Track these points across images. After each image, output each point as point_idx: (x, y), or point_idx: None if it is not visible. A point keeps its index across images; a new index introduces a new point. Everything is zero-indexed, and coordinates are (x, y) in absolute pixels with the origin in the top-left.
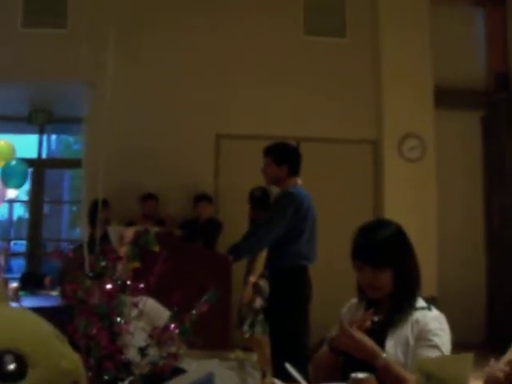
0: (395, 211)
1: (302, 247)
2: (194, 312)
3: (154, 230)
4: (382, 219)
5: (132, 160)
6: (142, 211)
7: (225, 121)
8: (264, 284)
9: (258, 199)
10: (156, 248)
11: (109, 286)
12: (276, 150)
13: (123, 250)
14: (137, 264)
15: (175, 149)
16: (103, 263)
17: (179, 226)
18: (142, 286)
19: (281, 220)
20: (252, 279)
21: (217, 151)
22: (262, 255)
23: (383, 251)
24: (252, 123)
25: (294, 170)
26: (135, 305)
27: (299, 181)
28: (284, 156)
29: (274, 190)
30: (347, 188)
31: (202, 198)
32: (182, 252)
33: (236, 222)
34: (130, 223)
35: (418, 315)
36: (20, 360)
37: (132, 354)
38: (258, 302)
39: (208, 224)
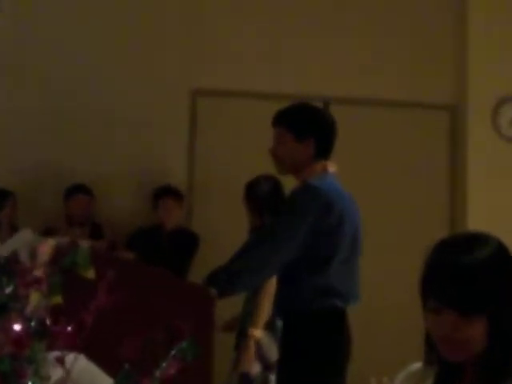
0: (483, 214)
1: (333, 277)
2: (156, 374)
3: (86, 244)
4: (474, 233)
5: (53, 132)
6: (66, 213)
7: (207, 68)
8: (266, 340)
9: (266, 197)
10: (90, 274)
11: (17, 328)
12: (295, 115)
13: (37, 274)
14: (58, 299)
15: (124, 114)
16: (9, 289)
17: (129, 241)
18: (69, 329)
19: (297, 228)
20: (255, 333)
21: (192, 117)
22: (269, 290)
23: (478, 287)
24: (252, 73)
25: (324, 150)
26: (59, 362)
27: (331, 167)
28: (308, 126)
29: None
30: (409, 179)
31: (165, 194)
32: (134, 282)
33: (222, 233)
34: (48, 231)
35: None
36: None
37: None
38: (256, 369)
39: (176, 237)
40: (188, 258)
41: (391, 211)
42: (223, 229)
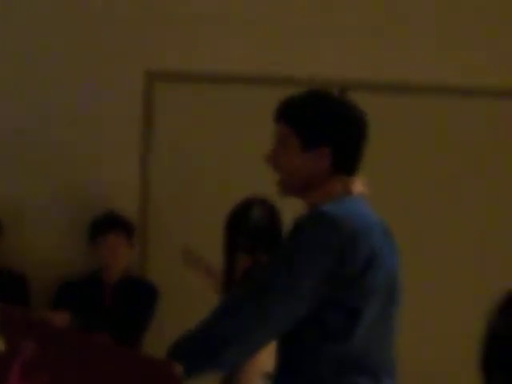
0: None
1: (358, 346)
2: None
3: None
4: None
5: None
6: None
7: (167, 44)
8: None
9: (260, 228)
10: None
11: None
12: (301, 110)
13: None
14: None
15: (53, 106)
16: None
17: (56, 298)
18: None
19: (305, 276)
20: None
21: (147, 108)
22: (258, 366)
23: None
24: (230, 49)
25: (346, 161)
26: None
27: (358, 186)
28: (325, 125)
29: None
30: (477, 200)
31: (108, 227)
32: (64, 358)
33: (190, 283)
34: None
35: None
36: None
37: None
38: None
39: (123, 290)
40: (142, 321)
41: (448, 247)
42: (193, 276)
